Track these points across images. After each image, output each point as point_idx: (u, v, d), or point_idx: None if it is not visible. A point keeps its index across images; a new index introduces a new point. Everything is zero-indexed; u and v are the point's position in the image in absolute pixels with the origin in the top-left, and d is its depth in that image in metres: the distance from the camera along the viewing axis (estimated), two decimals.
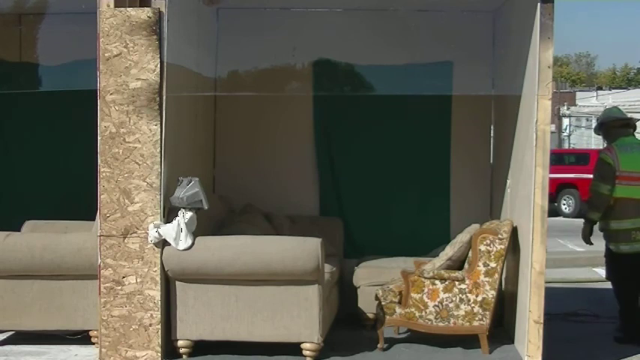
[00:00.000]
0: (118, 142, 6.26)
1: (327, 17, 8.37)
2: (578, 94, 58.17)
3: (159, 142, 6.25)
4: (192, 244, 6.30)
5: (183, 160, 6.79)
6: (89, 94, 6.50)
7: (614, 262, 7.53)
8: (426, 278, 6.72)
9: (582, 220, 7.71)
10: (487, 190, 8.25)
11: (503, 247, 6.67)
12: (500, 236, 6.67)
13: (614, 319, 7.80)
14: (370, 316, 7.38)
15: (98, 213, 6.34)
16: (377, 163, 8.40)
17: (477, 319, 6.67)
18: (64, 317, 6.75)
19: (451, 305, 6.68)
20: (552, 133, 19.58)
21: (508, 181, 7.32)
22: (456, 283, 6.68)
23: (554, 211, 21.25)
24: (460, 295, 6.67)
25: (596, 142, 49.86)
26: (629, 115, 8.14)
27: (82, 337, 6.82)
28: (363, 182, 8.43)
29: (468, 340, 6.78)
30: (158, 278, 6.29)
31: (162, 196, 6.27)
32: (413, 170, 8.36)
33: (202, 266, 6.34)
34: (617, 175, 7.30)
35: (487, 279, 6.65)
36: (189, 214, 6.29)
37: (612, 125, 7.59)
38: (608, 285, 7.87)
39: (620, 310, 7.51)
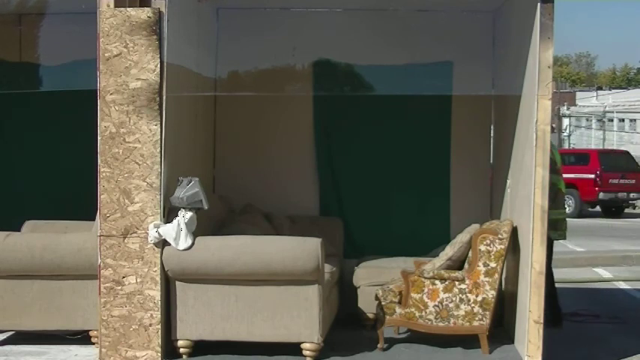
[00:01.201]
0: (118, 142, 6.26)
1: (327, 17, 8.37)
2: (578, 94, 58.27)
3: (159, 142, 6.24)
4: (192, 244, 6.30)
5: (183, 160, 6.79)
6: (89, 94, 6.49)
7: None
8: (426, 278, 6.72)
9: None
10: (487, 190, 8.25)
11: (503, 247, 6.66)
12: (500, 236, 6.67)
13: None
14: (370, 316, 7.37)
15: (98, 213, 6.34)
16: (377, 163, 8.39)
17: (477, 319, 6.67)
18: (64, 317, 6.74)
19: (451, 305, 6.68)
20: (552, 133, 19.50)
21: (508, 181, 7.32)
22: (456, 283, 6.68)
23: None
24: (460, 295, 6.67)
25: (595, 142, 49.90)
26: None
27: (82, 337, 6.81)
28: (363, 182, 8.42)
29: (468, 340, 6.78)
30: (158, 278, 6.29)
31: (162, 196, 6.26)
32: (413, 170, 8.36)
33: (202, 266, 6.33)
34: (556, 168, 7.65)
35: (487, 279, 6.64)
36: (189, 214, 6.28)
37: None
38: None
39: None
